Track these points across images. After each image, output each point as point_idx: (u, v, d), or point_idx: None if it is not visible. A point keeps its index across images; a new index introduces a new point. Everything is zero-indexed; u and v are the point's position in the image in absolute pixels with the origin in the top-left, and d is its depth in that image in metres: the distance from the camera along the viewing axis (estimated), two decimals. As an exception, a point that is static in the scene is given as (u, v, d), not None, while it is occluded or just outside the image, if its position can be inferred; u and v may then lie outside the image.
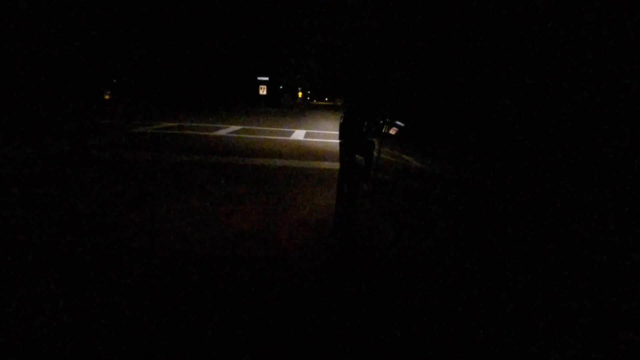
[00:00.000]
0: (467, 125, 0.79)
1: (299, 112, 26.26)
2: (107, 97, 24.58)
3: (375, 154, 1.31)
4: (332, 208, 3.51)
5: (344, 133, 2.36)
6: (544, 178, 0.54)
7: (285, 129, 12.06)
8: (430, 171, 0.87)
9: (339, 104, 60.00)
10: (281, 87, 46.01)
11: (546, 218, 0.50)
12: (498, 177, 0.62)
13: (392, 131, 1.16)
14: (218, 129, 10.97)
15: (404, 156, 1.02)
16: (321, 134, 11.16)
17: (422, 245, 0.83)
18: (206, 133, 9.78)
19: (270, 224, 3.00)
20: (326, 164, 6.09)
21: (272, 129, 11.98)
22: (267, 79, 38.72)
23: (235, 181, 4.48)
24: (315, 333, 1.62)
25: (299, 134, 10.77)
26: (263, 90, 38.15)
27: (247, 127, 12.05)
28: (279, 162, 6.03)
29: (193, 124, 11.96)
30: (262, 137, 9.61)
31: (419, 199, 0.88)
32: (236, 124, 12.73)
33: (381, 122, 1.35)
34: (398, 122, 1.12)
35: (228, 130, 10.77)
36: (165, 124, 11.48)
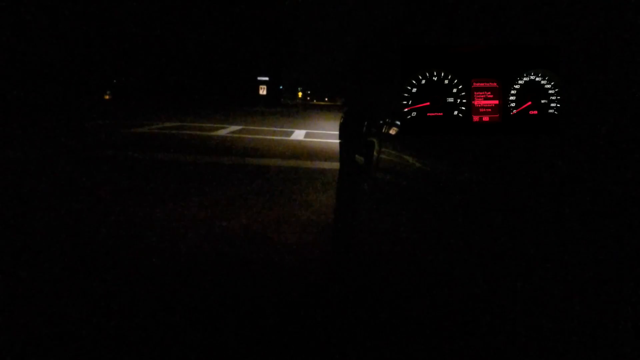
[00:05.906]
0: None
1: (299, 111, 26.27)
2: (107, 97, 24.60)
3: (375, 154, 1.31)
4: (332, 208, 3.51)
5: (344, 133, 2.36)
6: (543, 178, 0.54)
7: (285, 129, 12.06)
8: (430, 171, 0.87)
9: (339, 103, 60.01)
10: (281, 87, 46.03)
11: (546, 219, 0.50)
12: (499, 177, 0.62)
13: (392, 131, 1.16)
14: (218, 129, 10.97)
15: (404, 156, 1.02)
16: (321, 134, 11.16)
17: (422, 246, 0.83)
18: (206, 133, 9.78)
19: (269, 224, 2.99)
20: (326, 164, 6.09)
21: (272, 129, 11.98)
22: (267, 79, 38.71)
23: (235, 181, 4.48)
24: (312, 335, 1.62)
25: (299, 134, 10.77)
26: (263, 90, 38.15)
27: (247, 127, 12.05)
28: (279, 162, 6.03)
29: (193, 124, 11.96)
30: (262, 137, 9.61)
31: (419, 199, 0.88)
32: (236, 124, 12.73)
33: (381, 122, 1.35)
34: (398, 122, 1.11)
35: (228, 130, 10.77)
36: (165, 124, 11.48)
